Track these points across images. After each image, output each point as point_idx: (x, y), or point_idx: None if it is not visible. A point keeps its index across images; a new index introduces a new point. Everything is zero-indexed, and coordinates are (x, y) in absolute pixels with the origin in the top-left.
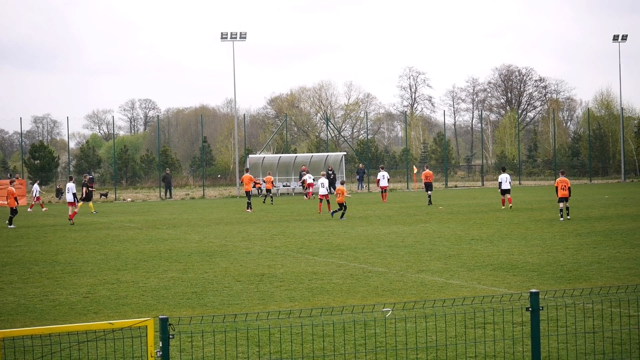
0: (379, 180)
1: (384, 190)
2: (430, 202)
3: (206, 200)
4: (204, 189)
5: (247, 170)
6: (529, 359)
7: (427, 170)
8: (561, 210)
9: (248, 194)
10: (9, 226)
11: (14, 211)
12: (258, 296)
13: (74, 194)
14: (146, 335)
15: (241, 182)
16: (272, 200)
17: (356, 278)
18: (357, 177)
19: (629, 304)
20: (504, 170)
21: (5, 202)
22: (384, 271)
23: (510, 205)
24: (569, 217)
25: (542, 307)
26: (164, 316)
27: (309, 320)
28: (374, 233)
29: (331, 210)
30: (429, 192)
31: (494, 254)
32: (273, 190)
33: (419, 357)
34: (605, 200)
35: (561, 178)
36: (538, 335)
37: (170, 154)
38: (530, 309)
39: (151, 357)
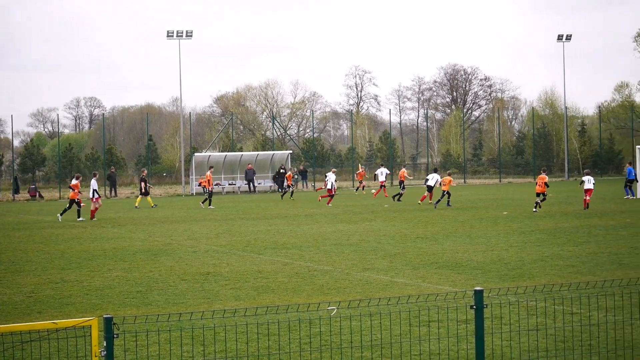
0: (377, 175)
1: (382, 185)
2: (394, 199)
3: (152, 198)
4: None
5: (210, 169)
6: (473, 357)
7: (403, 169)
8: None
9: (206, 190)
10: None
11: None
12: (203, 295)
13: (95, 190)
14: (90, 335)
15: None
16: (291, 195)
17: (301, 276)
18: (300, 176)
19: (572, 301)
20: (435, 171)
21: None
22: (330, 269)
23: (430, 201)
24: (536, 210)
25: (486, 305)
26: (109, 315)
27: (254, 319)
28: (320, 231)
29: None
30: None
31: (439, 252)
32: (218, 189)
33: (364, 356)
34: (549, 199)
35: (540, 175)
36: (482, 333)
37: (115, 153)
38: (474, 306)
39: (95, 356)
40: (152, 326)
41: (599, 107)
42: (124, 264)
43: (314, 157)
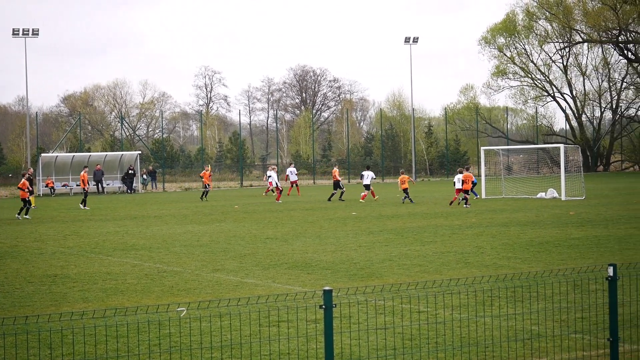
0: (363, 177)
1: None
2: (335, 198)
3: None
4: None
5: (85, 168)
6: (322, 356)
7: (335, 168)
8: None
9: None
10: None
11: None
12: (51, 297)
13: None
14: None
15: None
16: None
17: (151, 278)
18: (149, 177)
19: (419, 300)
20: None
21: None
22: (179, 270)
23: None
24: (466, 205)
25: (335, 305)
26: None
27: (102, 321)
28: (169, 232)
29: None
30: (339, 190)
31: (289, 252)
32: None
33: (214, 356)
34: (396, 199)
35: (465, 174)
36: (331, 332)
37: None
38: (323, 306)
39: None
40: None
41: (445, 108)
42: None
43: (163, 157)
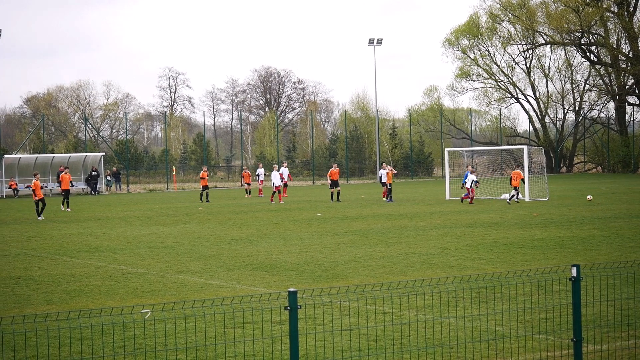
0: (380, 177)
1: (383, 184)
2: (334, 199)
3: None
4: None
5: (66, 169)
6: (287, 357)
7: (334, 168)
8: (512, 196)
9: (67, 192)
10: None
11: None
12: (14, 299)
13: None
14: None
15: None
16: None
17: (115, 280)
18: (113, 179)
19: (383, 301)
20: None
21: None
22: (144, 272)
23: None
24: (517, 200)
25: (300, 306)
26: None
27: (66, 323)
28: (134, 234)
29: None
30: (336, 189)
31: (254, 253)
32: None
33: (179, 358)
34: (361, 200)
35: (515, 170)
36: (296, 334)
37: None
38: (288, 307)
39: None
40: None
41: (409, 110)
42: None
43: (127, 159)
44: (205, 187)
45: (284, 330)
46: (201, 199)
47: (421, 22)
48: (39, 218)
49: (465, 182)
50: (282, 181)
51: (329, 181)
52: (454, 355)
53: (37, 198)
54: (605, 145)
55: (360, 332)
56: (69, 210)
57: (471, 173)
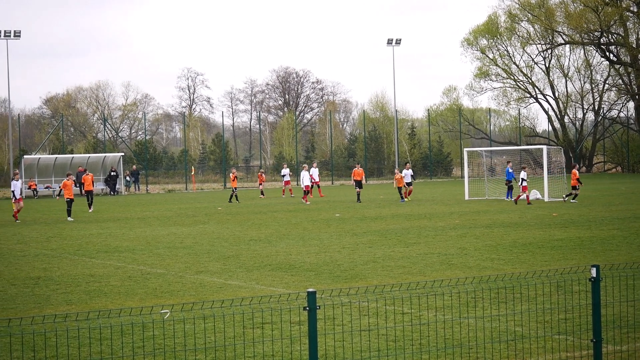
0: (404, 177)
1: (408, 184)
2: (358, 200)
3: None
4: None
5: (85, 170)
6: (306, 358)
7: (357, 168)
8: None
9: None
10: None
11: None
12: (34, 300)
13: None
14: None
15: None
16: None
17: (134, 280)
18: (132, 178)
19: (402, 301)
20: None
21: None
22: (163, 273)
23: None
24: (573, 200)
25: (319, 306)
26: None
27: (86, 324)
28: (153, 234)
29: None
30: (358, 190)
31: (273, 254)
32: (48, 192)
33: (198, 358)
34: (380, 201)
35: (573, 170)
36: (315, 334)
37: None
38: (307, 308)
39: None
40: None
41: (428, 110)
42: None
43: (146, 159)
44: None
45: (303, 330)
46: (230, 199)
47: (440, 22)
48: (69, 219)
49: (511, 180)
50: (312, 181)
51: (353, 181)
52: (473, 355)
53: (69, 197)
54: (625, 145)
55: (379, 333)
56: (91, 211)
57: (523, 170)
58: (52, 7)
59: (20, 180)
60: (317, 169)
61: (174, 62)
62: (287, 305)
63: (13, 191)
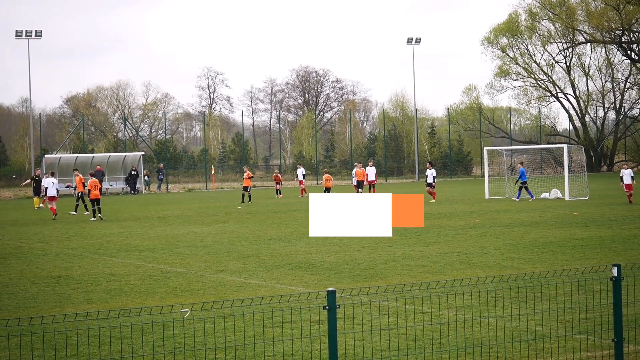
0: (427, 177)
1: (431, 185)
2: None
3: (0, 201)
4: None
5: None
6: (326, 357)
7: (358, 168)
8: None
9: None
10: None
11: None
12: (55, 299)
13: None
14: None
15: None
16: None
17: (155, 279)
18: (160, 176)
19: (422, 300)
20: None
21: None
22: (183, 272)
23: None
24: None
25: (339, 305)
26: None
27: (106, 322)
28: (173, 233)
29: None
30: (360, 191)
31: (292, 253)
32: (69, 192)
33: (218, 357)
34: None
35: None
36: (335, 333)
37: None
38: (327, 307)
39: None
40: (2, 331)
41: (448, 109)
42: None
43: (166, 158)
44: (246, 188)
45: (322, 329)
46: (243, 199)
47: (460, 21)
48: (92, 220)
49: (525, 180)
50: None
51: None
52: (493, 355)
53: (91, 197)
54: None
55: (399, 332)
56: (72, 213)
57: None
58: (72, 7)
59: (49, 178)
60: (373, 167)
61: (194, 62)
62: (307, 304)
63: (46, 188)
